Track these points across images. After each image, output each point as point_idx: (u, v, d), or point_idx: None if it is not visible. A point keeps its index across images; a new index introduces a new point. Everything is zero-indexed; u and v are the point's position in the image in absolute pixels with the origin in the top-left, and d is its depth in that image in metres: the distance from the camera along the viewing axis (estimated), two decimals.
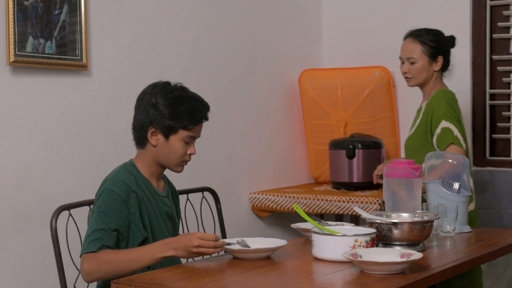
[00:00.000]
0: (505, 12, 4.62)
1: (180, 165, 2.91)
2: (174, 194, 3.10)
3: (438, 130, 3.71)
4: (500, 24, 4.63)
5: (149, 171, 2.91)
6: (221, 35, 4.42)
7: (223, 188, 4.32)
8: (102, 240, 2.69)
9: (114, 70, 3.78)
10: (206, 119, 2.92)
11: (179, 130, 2.84)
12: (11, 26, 3.28)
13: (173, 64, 4.10)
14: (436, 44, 3.84)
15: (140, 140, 2.90)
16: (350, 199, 4.28)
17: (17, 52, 3.31)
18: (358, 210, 2.98)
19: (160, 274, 2.52)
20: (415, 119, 3.90)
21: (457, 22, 4.68)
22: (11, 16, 3.27)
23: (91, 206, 3.14)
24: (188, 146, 2.88)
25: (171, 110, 2.83)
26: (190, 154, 2.90)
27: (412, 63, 3.84)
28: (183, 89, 2.90)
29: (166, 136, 2.85)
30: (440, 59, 3.83)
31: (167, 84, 2.90)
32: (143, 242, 2.81)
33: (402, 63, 3.90)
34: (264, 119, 4.72)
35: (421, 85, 3.88)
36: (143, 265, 2.65)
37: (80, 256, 2.70)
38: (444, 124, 3.71)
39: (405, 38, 3.92)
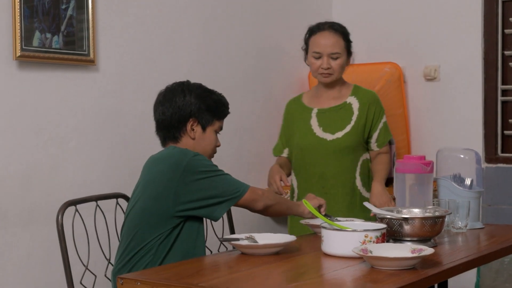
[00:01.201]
0: None
1: (212, 156, 3.06)
2: None
3: (380, 125, 3.68)
4: None
5: None
6: (230, 31, 4.39)
7: None
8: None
9: (122, 65, 3.75)
10: (229, 111, 3.11)
11: (214, 121, 3.00)
12: (18, 20, 3.25)
13: (182, 60, 4.06)
14: (349, 38, 3.71)
15: (176, 135, 2.97)
16: None
17: (23, 47, 3.28)
18: (368, 206, 2.94)
19: (166, 270, 2.48)
20: (343, 117, 3.66)
21: (468, 17, 4.63)
22: (17, 11, 3.24)
23: (98, 201, 3.14)
24: (217, 138, 3.04)
25: (207, 103, 2.98)
26: (218, 146, 3.06)
27: (336, 59, 3.61)
28: (203, 85, 3.06)
29: (204, 128, 2.98)
30: (351, 54, 3.70)
31: (188, 81, 3.04)
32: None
33: (318, 58, 3.61)
34: (274, 115, 4.68)
35: (334, 83, 3.68)
36: (288, 211, 3.11)
37: (245, 193, 2.88)
38: (384, 119, 3.70)
39: (320, 30, 3.65)
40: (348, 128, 3.64)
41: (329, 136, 3.64)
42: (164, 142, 3.00)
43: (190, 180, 2.80)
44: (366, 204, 2.97)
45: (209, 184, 2.83)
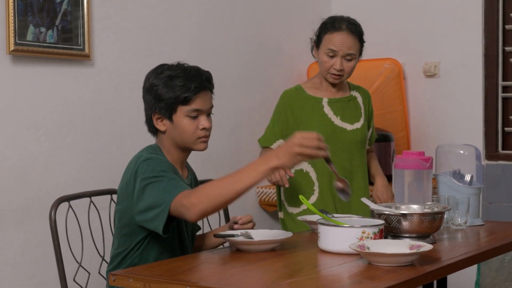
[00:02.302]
0: None
1: (197, 142, 2.75)
2: (195, 184, 2.96)
3: (372, 123, 3.66)
4: None
5: (172, 158, 2.78)
6: (228, 26, 4.35)
7: None
8: (183, 185, 2.55)
9: (117, 60, 3.70)
10: (204, 87, 2.76)
11: (177, 107, 2.72)
12: (11, 14, 3.21)
13: (178, 55, 4.01)
14: (363, 39, 3.55)
15: (151, 129, 2.81)
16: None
17: (17, 41, 3.23)
18: (366, 202, 2.90)
19: (159, 266, 2.44)
20: (355, 109, 3.56)
21: (469, 13, 4.60)
22: (11, 4, 3.20)
23: (92, 197, 3.09)
24: (198, 121, 2.74)
25: (165, 90, 2.72)
26: (203, 129, 2.74)
27: (349, 60, 3.44)
28: (177, 66, 2.79)
29: (169, 118, 2.73)
30: (361, 55, 3.56)
31: (160, 65, 2.81)
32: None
33: (332, 56, 3.44)
34: (272, 112, 4.63)
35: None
36: (247, 183, 2.43)
37: (170, 204, 2.49)
38: (373, 118, 3.67)
39: (337, 30, 3.45)
40: (362, 121, 3.57)
41: (348, 126, 3.52)
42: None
43: (137, 189, 2.60)
44: (363, 199, 2.93)
45: (148, 192, 2.56)
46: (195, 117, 2.74)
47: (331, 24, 3.48)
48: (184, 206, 2.46)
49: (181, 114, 2.72)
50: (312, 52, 3.60)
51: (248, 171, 2.45)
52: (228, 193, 2.45)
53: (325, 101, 3.54)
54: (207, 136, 2.78)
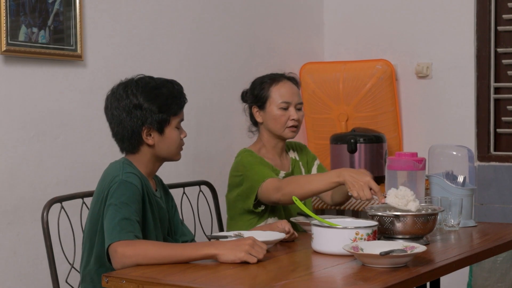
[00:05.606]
0: (510, 4, 4.53)
1: (179, 153, 2.81)
2: (165, 190, 2.94)
3: (317, 162, 3.48)
4: (505, 16, 4.54)
5: (146, 170, 2.76)
6: (220, 27, 4.34)
7: (222, 183, 4.23)
8: (134, 229, 2.52)
9: (110, 61, 3.69)
10: (186, 98, 2.82)
11: (171, 119, 2.73)
12: (3, 14, 3.19)
13: (170, 56, 4.01)
14: None
15: (134, 146, 2.74)
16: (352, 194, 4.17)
17: (9, 41, 3.22)
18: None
19: (152, 268, 2.42)
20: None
21: (461, 14, 4.60)
22: (3, 4, 3.18)
23: (84, 198, 3.08)
24: (180, 131, 2.79)
25: (158, 103, 2.70)
26: (183, 138, 2.80)
27: (299, 110, 3.33)
28: (151, 78, 2.78)
29: (161, 131, 2.72)
30: None
31: (133, 81, 2.77)
32: None
33: (285, 108, 3.30)
34: None
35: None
36: (184, 259, 2.46)
37: (108, 246, 2.49)
38: (318, 161, 3.49)
39: (280, 80, 3.35)
40: None
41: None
42: (125, 153, 2.81)
43: (106, 206, 2.60)
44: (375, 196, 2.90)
45: (108, 216, 2.56)
46: (178, 128, 2.78)
47: (270, 79, 3.37)
48: (116, 253, 2.46)
49: (173, 125, 2.75)
50: (253, 118, 3.44)
51: (190, 248, 2.49)
52: (163, 260, 2.47)
53: (281, 175, 3.34)
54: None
